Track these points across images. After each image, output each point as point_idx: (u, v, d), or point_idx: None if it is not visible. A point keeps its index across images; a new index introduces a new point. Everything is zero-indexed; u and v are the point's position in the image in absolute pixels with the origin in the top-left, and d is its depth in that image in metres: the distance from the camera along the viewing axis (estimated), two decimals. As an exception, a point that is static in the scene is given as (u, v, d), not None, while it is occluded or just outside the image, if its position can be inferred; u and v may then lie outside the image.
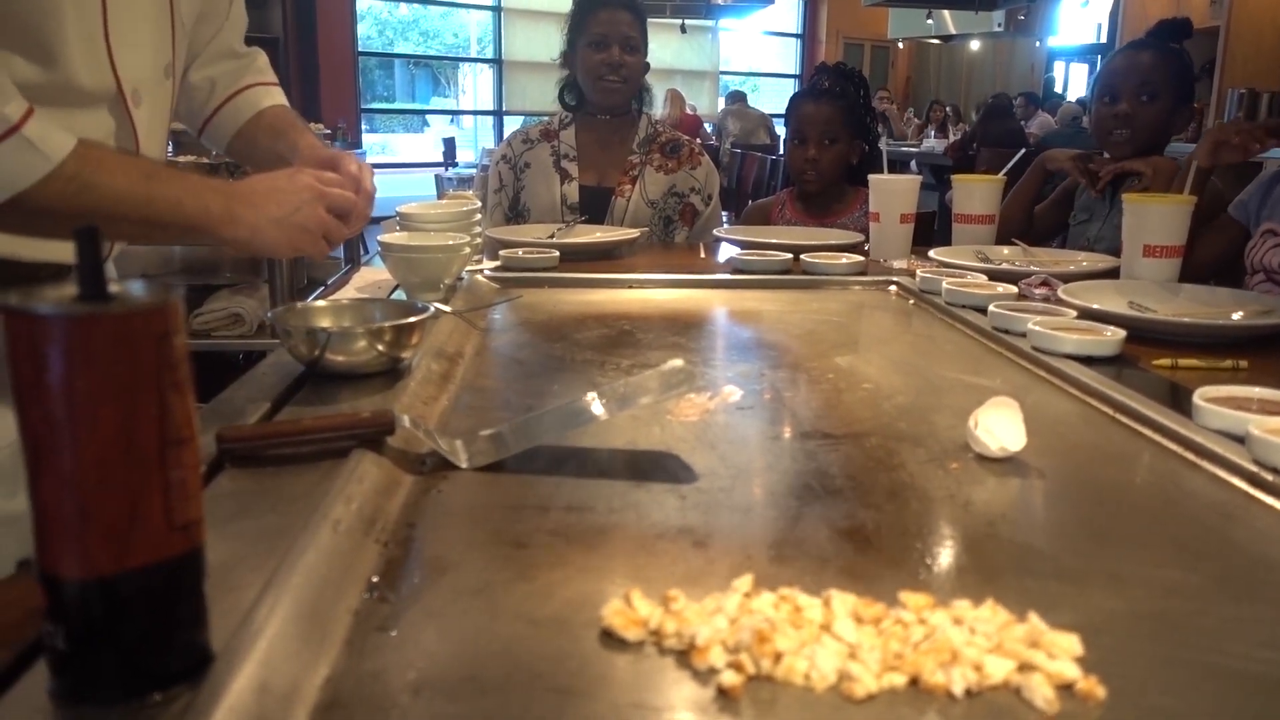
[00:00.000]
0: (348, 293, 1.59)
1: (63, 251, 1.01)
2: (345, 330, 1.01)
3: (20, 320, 0.42)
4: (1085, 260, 1.78)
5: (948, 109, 10.04)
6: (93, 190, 0.92)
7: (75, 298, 0.43)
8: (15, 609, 0.53)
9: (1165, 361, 1.13)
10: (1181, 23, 2.04)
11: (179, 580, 0.46)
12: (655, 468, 0.83)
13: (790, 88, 12.16)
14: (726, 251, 1.98)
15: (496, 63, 10.70)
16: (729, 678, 0.50)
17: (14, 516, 0.94)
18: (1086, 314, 1.26)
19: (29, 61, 0.96)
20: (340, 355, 0.98)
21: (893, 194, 1.92)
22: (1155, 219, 1.53)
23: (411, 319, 1.01)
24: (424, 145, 11.26)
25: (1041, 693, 0.49)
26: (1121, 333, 1.14)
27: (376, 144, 10.99)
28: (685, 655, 0.52)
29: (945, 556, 0.68)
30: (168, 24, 1.13)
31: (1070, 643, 0.53)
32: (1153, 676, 0.53)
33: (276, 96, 1.35)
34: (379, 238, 1.46)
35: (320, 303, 1.09)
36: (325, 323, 1.03)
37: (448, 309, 1.29)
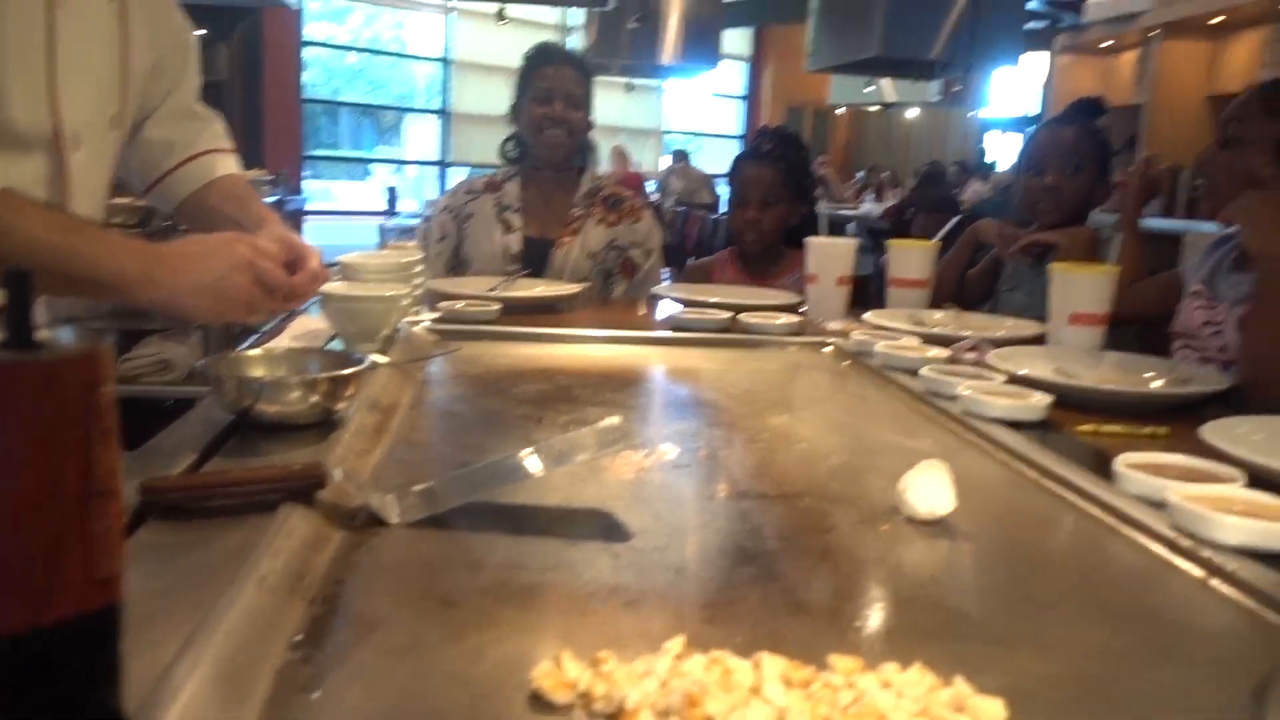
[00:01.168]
0: (283, 341, 1.57)
1: None
2: (279, 380, 1.00)
3: (-59, 367, 0.41)
4: (1015, 325, 1.83)
5: (884, 174, 10.31)
6: (10, 236, 0.92)
7: (1, 344, 0.42)
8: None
9: (1089, 427, 1.16)
10: (1094, 102, 2.19)
11: (96, 637, 0.45)
12: (589, 526, 0.83)
13: (734, 148, 12.35)
14: (666, 308, 2.00)
15: (443, 114, 10.74)
16: (658, 742, 0.49)
17: None
18: (1015, 379, 1.29)
19: None
20: (273, 406, 0.97)
21: (830, 257, 1.96)
22: (1082, 287, 1.58)
23: (347, 370, 1.01)
24: (367, 193, 11.22)
25: (966, 757, 0.49)
26: (1048, 398, 1.17)
27: (319, 190, 10.91)
28: (614, 719, 0.52)
29: (875, 619, 0.68)
30: (117, 74, 1.12)
31: (995, 708, 0.53)
32: (1074, 741, 0.53)
33: (232, 165, 1.35)
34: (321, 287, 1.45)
35: (254, 351, 1.08)
36: (259, 372, 1.02)
37: (385, 360, 1.28)
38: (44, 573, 0.42)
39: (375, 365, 1.22)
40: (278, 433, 0.97)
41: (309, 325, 1.67)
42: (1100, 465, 0.99)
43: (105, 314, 2.58)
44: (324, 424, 1.00)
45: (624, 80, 8.98)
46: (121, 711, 0.47)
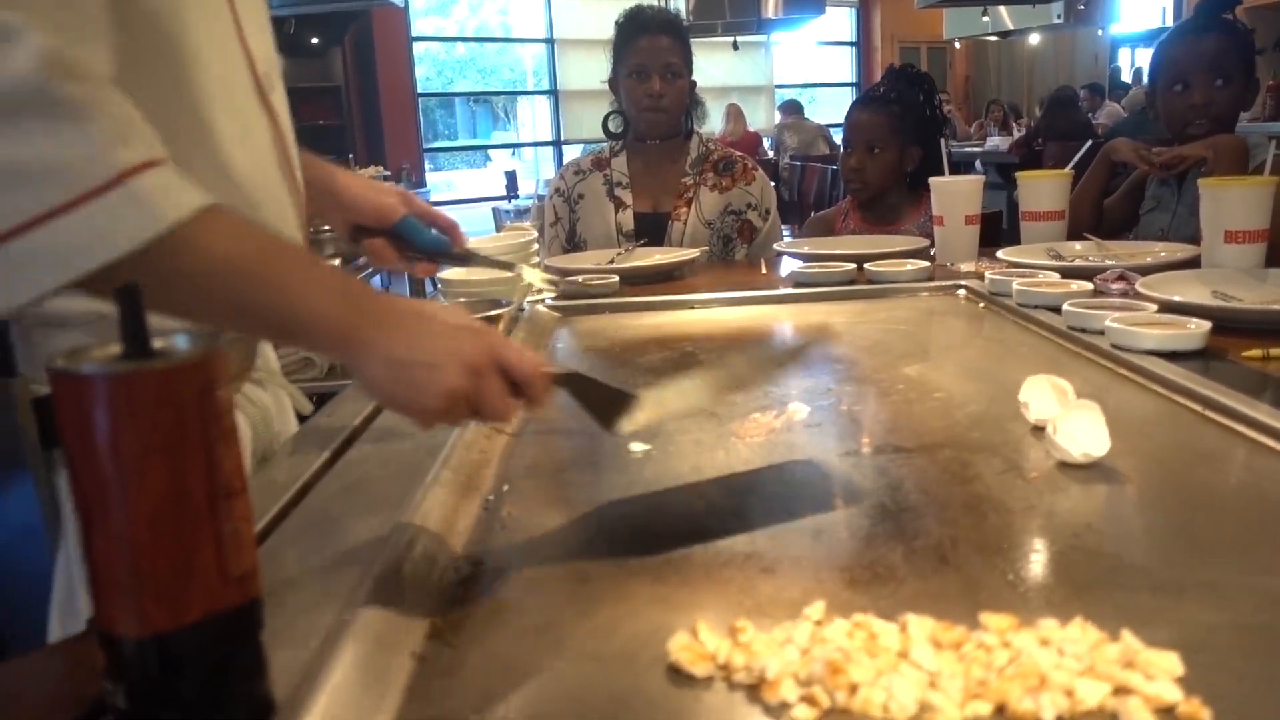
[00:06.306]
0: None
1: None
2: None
3: (66, 381, 0.42)
4: (1163, 250, 1.72)
5: (1005, 106, 9.86)
6: (184, 254, 0.63)
7: (118, 356, 0.43)
8: (83, 667, 0.53)
9: (1256, 352, 1.08)
10: None
11: (236, 633, 0.46)
12: (721, 492, 0.81)
13: (848, 96, 12.03)
14: (789, 265, 1.96)
15: (553, 93, 10.82)
16: (802, 712, 0.47)
17: None
18: (1168, 307, 1.21)
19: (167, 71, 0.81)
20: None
21: (956, 195, 1.87)
22: (1234, 203, 1.47)
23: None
24: (488, 180, 11.40)
25: (1140, 718, 0.46)
26: (1206, 324, 1.09)
27: (441, 182, 11.16)
28: (756, 689, 0.50)
29: (1028, 572, 0.64)
30: (269, 24, 1.06)
31: (1169, 661, 0.49)
32: (1261, 695, 0.49)
33: None
34: (439, 275, 1.47)
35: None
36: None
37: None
38: (180, 574, 0.43)
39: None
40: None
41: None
42: (1271, 393, 0.92)
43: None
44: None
45: (729, 39, 8.82)
46: (270, 699, 0.48)
